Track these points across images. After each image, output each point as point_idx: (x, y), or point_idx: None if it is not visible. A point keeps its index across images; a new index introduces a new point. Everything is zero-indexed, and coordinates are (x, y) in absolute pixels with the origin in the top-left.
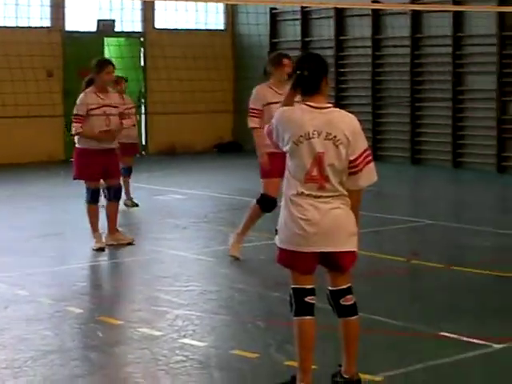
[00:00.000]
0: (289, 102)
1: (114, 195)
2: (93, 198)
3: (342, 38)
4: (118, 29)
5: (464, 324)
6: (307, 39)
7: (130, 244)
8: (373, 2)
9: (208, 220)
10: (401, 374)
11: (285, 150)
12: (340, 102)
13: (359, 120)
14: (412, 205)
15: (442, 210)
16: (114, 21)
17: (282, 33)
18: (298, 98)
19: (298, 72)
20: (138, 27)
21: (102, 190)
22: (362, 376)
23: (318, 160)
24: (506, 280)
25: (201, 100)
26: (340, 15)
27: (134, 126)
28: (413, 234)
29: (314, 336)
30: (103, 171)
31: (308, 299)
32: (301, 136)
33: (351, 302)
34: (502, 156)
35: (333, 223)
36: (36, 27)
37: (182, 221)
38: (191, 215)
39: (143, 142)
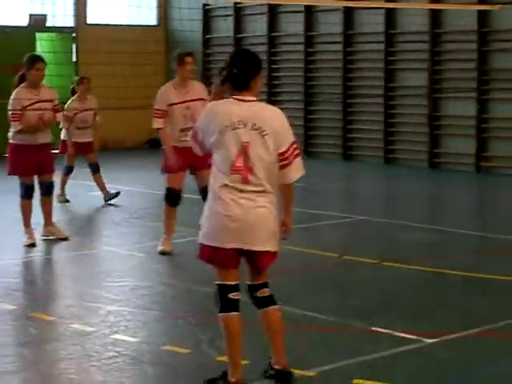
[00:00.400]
0: (217, 98)
1: (46, 190)
2: (27, 194)
3: (274, 34)
4: (49, 24)
5: (396, 319)
6: (240, 35)
7: (64, 239)
8: None
9: (139, 216)
10: (334, 369)
11: (211, 141)
12: (272, 98)
13: (291, 116)
14: (344, 201)
15: (373, 206)
16: (45, 15)
17: (214, 28)
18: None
19: (228, 68)
20: (70, 22)
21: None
22: (295, 371)
23: (243, 150)
24: (436, 275)
25: (133, 95)
26: (273, 11)
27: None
28: (345, 230)
29: (241, 331)
30: (37, 167)
31: (232, 295)
32: (226, 126)
33: (268, 294)
34: (434, 152)
35: (255, 222)
36: None
37: (114, 217)
38: (123, 211)
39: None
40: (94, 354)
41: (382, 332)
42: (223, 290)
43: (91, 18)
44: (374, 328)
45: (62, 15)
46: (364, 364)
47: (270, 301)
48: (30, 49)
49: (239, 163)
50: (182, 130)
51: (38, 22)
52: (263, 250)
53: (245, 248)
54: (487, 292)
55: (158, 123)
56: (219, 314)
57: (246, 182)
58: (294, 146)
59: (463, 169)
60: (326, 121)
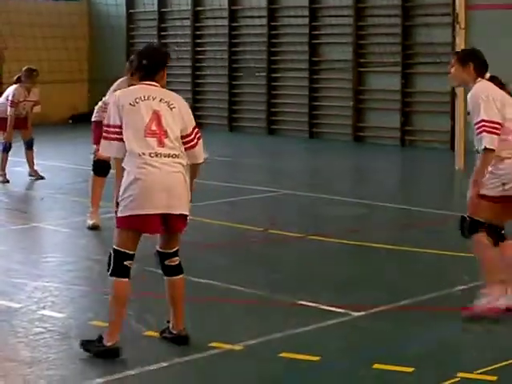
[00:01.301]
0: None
1: None
2: None
3: (199, 8)
4: None
5: (322, 293)
6: (164, 10)
7: None
8: None
9: (64, 191)
10: (261, 343)
11: (124, 118)
12: (196, 73)
13: (216, 91)
14: (268, 175)
15: (298, 180)
16: None
17: (139, 3)
18: None
19: (139, 60)
20: None
21: None
22: (222, 345)
23: (156, 115)
24: (361, 249)
25: (56, 69)
26: None
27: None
28: (269, 204)
29: (128, 297)
30: None
31: (127, 263)
32: (137, 98)
33: (176, 263)
34: (359, 126)
35: (174, 186)
36: None
37: (38, 192)
38: (47, 186)
39: None
40: (20, 330)
41: (308, 305)
42: (120, 257)
43: None
44: (300, 302)
45: None
46: (291, 337)
47: (178, 270)
48: None
49: (154, 127)
50: None
51: None
52: (183, 213)
53: (167, 212)
54: (411, 265)
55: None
56: (110, 278)
57: (161, 144)
58: (196, 129)
59: (388, 143)
60: (250, 95)
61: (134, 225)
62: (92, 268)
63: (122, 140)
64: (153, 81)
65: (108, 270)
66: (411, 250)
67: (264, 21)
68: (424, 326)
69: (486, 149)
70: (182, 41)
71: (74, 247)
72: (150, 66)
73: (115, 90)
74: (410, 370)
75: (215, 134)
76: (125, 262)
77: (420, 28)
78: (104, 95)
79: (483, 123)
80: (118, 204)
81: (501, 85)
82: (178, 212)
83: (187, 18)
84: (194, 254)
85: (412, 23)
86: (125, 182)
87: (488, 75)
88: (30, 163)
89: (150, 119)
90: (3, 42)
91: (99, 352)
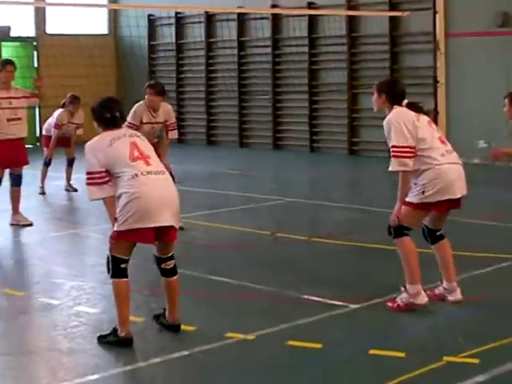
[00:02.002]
0: None
1: (16, 182)
2: None
3: (211, 40)
4: (13, 34)
5: (324, 288)
6: (181, 41)
7: (29, 226)
8: (272, 6)
9: (96, 203)
10: (271, 333)
11: (102, 159)
12: (210, 97)
13: (227, 112)
14: (275, 185)
15: (301, 189)
16: (9, 27)
17: (159, 35)
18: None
19: (101, 114)
20: (31, 32)
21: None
22: (237, 335)
23: (134, 146)
24: (358, 249)
25: (87, 93)
26: (210, 19)
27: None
28: (276, 211)
29: (129, 293)
30: (9, 160)
31: (124, 265)
32: (112, 139)
33: (171, 266)
34: (353, 141)
35: (170, 200)
36: None
37: (74, 203)
38: (81, 198)
39: (37, 134)
40: (59, 324)
41: (312, 300)
42: (118, 262)
43: (50, 28)
44: (304, 296)
45: (24, 26)
46: (297, 328)
47: (172, 272)
48: None
49: (136, 153)
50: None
51: (2, 33)
52: (176, 225)
53: (160, 225)
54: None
55: None
56: (112, 280)
57: (148, 164)
58: None
59: (378, 155)
60: (257, 115)
61: (131, 237)
62: None
63: (108, 181)
64: (118, 127)
65: (108, 273)
66: None
67: (269, 50)
68: (414, 316)
69: (400, 171)
70: (197, 68)
71: (106, 251)
72: (112, 117)
73: (135, 112)
74: (402, 354)
75: (227, 149)
76: (122, 265)
77: (405, 54)
78: (127, 115)
79: (393, 149)
80: (116, 219)
81: (419, 110)
82: (169, 224)
83: (201, 49)
84: (211, 254)
85: (398, 50)
86: (122, 201)
87: (405, 102)
88: (68, 178)
89: (130, 150)
90: (40, 79)
91: (114, 342)
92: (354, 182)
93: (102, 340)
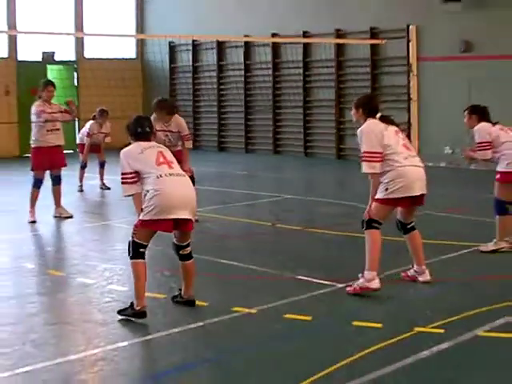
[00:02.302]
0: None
1: (56, 181)
2: (37, 185)
3: (222, 63)
4: (57, 58)
5: (315, 270)
6: (197, 64)
7: (69, 218)
8: (273, 35)
9: (125, 198)
10: (270, 308)
11: (133, 163)
12: (221, 110)
13: (235, 123)
14: (275, 184)
15: (296, 188)
16: (54, 52)
17: (178, 59)
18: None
19: (134, 128)
20: (72, 57)
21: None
22: (242, 309)
23: (161, 154)
24: (346, 238)
25: (118, 109)
26: (220, 46)
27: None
28: (275, 206)
29: (145, 272)
30: (49, 163)
31: (142, 250)
32: (143, 148)
33: (188, 252)
34: (340, 147)
35: (191, 197)
36: None
37: (105, 199)
38: (113, 195)
39: (77, 141)
40: (94, 300)
41: (305, 279)
42: (138, 246)
43: (88, 53)
44: (299, 277)
45: (66, 51)
46: (292, 303)
47: (189, 257)
48: (42, 77)
49: (161, 160)
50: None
51: (48, 57)
52: (192, 218)
53: (180, 217)
54: (385, 250)
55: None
56: (132, 260)
57: (171, 168)
58: None
59: None
60: (260, 126)
61: (152, 226)
62: (146, 254)
63: (137, 181)
64: (148, 140)
65: (129, 255)
66: (386, 238)
67: (270, 71)
68: (390, 294)
69: (369, 173)
70: (210, 87)
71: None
72: (144, 131)
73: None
74: (380, 325)
75: (234, 154)
76: (141, 249)
77: (384, 75)
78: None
79: (363, 154)
80: (142, 210)
81: (389, 121)
82: (190, 217)
83: (213, 70)
84: (221, 242)
85: (378, 71)
86: (148, 196)
87: (379, 115)
88: (101, 178)
89: (157, 157)
90: (71, 102)
91: (131, 314)
92: (342, 182)
93: (122, 313)
